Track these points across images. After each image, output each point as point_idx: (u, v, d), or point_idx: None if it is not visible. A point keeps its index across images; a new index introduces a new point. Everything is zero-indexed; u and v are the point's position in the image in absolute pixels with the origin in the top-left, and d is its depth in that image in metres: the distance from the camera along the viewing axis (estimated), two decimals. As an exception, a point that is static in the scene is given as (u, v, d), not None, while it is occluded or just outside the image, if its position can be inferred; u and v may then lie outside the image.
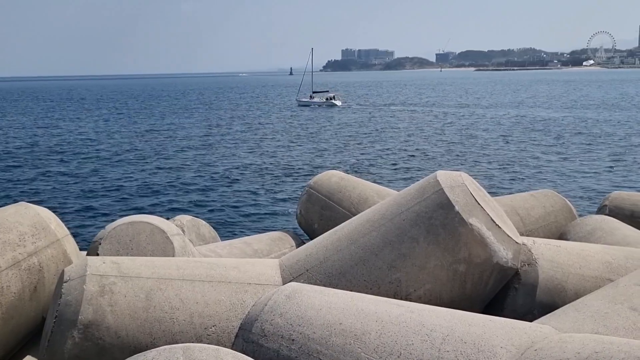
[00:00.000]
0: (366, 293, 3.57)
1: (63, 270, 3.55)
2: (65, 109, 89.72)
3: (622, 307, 3.23)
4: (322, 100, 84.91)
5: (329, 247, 4.01)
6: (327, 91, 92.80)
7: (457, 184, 3.90)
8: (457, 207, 3.74)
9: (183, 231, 6.05)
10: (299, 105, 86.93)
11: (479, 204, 3.81)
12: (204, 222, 7.26)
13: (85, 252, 4.77)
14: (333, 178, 6.91)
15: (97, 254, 4.45)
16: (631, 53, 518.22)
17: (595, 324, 3.11)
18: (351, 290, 3.46)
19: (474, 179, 4.25)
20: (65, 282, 3.43)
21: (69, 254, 4.23)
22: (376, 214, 4.06)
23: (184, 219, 6.89)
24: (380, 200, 6.09)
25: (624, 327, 3.07)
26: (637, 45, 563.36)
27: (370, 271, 3.77)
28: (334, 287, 3.55)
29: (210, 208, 22.13)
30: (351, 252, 3.88)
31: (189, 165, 32.57)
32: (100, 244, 4.51)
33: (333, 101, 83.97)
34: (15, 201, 4.71)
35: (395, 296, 3.68)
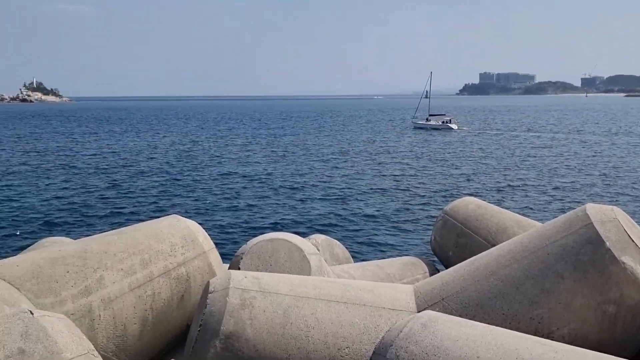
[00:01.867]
0: (504, 327, 3.44)
1: (208, 282, 3.75)
2: (210, 127, 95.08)
3: None
4: (438, 124, 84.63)
5: (467, 277, 3.91)
6: (444, 114, 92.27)
7: (609, 218, 3.66)
8: (608, 244, 3.51)
9: (318, 250, 6.18)
10: (415, 128, 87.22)
11: (633, 241, 3.55)
12: (337, 242, 7.35)
13: (227, 265, 5.01)
14: (470, 205, 6.74)
15: (239, 268, 4.65)
16: None
17: None
18: (488, 324, 3.35)
19: (628, 214, 3.98)
20: (210, 293, 3.62)
21: (213, 266, 4.47)
22: (518, 246, 3.91)
23: (319, 238, 7.02)
24: (520, 231, 5.86)
25: None
26: None
27: (510, 305, 3.63)
28: (470, 319, 3.45)
29: (343, 229, 22.40)
30: (490, 284, 3.75)
31: (322, 185, 33.25)
32: (241, 258, 4.72)
33: (449, 125, 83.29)
34: (167, 214, 5.05)
35: (536, 333, 3.50)
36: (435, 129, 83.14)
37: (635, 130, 79.40)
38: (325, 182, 34.41)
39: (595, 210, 3.75)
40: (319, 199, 28.84)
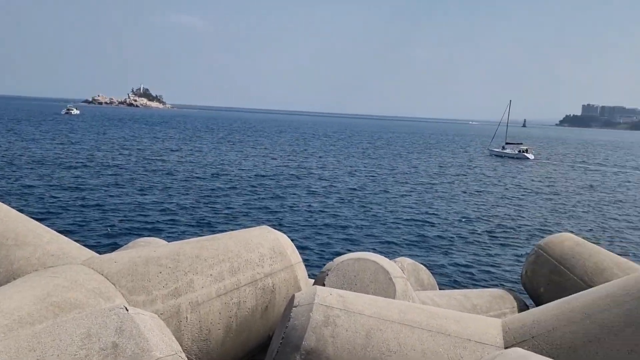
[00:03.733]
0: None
1: (293, 295, 3.77)
2: (302, 142, 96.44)
3: None
4: (514, 152, 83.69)
5: (560, 317, 3.72)
6: (521, 143, 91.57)
7: None
8: None
9: (403, 274, 6.09)
10: (490, 155, 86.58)
11: None
12: (424, 267, 7.23)
13: (312, 281, 5.03)
14: (567, 242, 6.45)
15: (324, 284, 4.66)
16: None
17: None
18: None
19: None
20: (294, 307, 3.63)
21: (299, 280, 4.49)
22: (619, 289, 3.68)
23: (405, 261, 6.93)
24: (620, 273, 5.56)
25: None
26: None
27: (606, 352, 3.41)
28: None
29: (429, 254, 22.03)
30: (585, 327, 3.55)
31: (407, 208, 32.93)
32: (327, 275, 4.72)
33: (525, 154, 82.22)
34: (256, 225, 5.14)
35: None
36: (510, 157, 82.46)
37: None
38: (410, 205, 34.03)
39: None
40: (405, 221, 28.55)
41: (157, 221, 25.14)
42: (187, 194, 33.28)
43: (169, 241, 5.99)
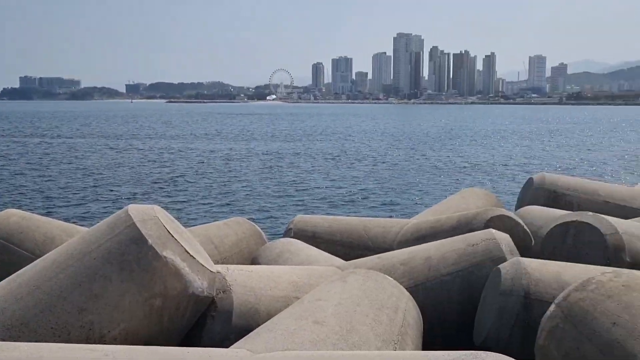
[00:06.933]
0: (55, 342, 3.29)
1: None
2: None
3: (307, 322, 3.51)
4: None
5: (8, 297, 3.60)
6: None
7: (150, 217, 3.85)
8: (150, 241, 3.69)
9: None
10: None
11: (172, 236, 3.81)
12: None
13: None
14: (12, 217, 6.23)
15: None
16: (307, 89, 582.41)
17: (285, 341, 3.32)
18: (37, 341, 3.15)
19: (168, 211, 4.25)
20: None
21: None
22: (63, 255, 3.78)
23: None
24: (69, 239, 5.70)
25: (309, 341, 3.33)
26: (311, 82, 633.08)
27: (59, 317, 3.48)
28: (15, 340, 3.19)
29: None
30: (35, 299, 3.53)
31: None
32: None
33: None
34: None
35: (87, 340, 3.45)
36: None
37: (172, 135, 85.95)
38: None
39: (137, 210, 3.90)
40: None
41: None
42: None
43: None
